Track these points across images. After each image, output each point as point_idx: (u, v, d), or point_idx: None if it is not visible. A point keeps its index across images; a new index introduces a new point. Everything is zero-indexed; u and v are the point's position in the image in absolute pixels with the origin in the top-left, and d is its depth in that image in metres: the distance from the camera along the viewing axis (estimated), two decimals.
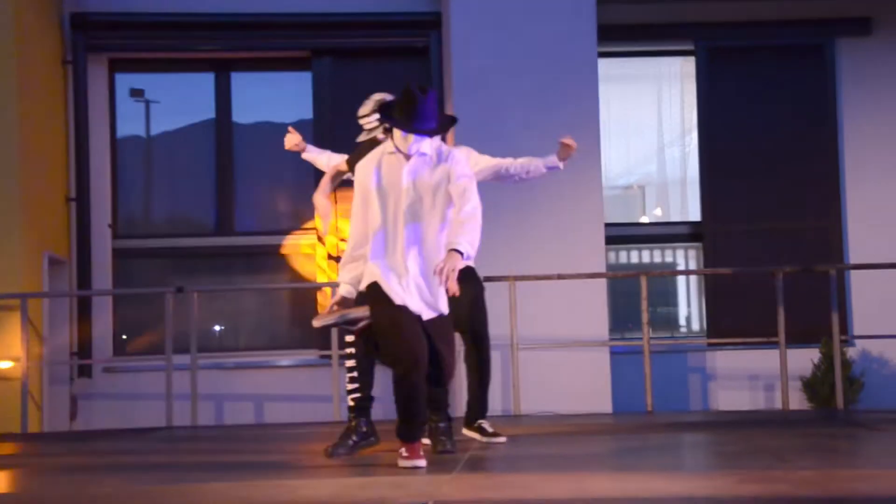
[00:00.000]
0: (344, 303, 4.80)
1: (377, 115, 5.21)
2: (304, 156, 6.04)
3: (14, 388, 8.03)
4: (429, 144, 4.71)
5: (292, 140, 5.99)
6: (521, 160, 5.83)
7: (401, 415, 4.59)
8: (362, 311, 4.70)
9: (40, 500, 4.12)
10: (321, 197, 5.52)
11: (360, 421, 5.14)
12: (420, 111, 4.60)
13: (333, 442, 5.15)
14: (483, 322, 5.54)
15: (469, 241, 4.50)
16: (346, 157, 5.58)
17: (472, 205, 4.60)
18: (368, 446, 5.10)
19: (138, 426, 8.24)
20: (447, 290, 4.49)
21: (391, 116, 4.70)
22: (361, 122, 5.38)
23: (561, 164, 5.88)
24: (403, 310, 4.57)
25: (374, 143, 5.22)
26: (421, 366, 4.54)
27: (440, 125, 4.73)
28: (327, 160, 5.87)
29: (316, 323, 4.78)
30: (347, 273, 4.82)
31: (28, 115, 8.61)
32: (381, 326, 4.61)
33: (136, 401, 9.09)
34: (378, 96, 5.31)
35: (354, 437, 5.11)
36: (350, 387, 5.18)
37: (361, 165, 4.79)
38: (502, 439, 5.49)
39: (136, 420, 8.76)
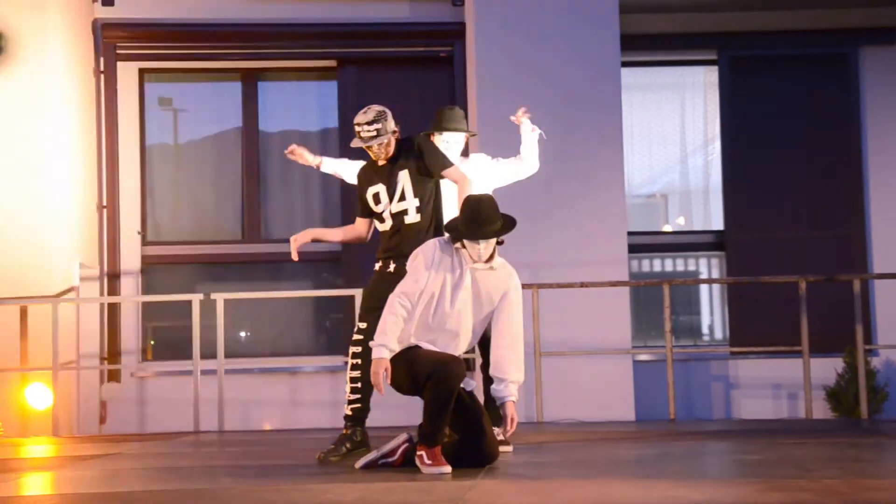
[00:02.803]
0: (380, 364, 4.69)
1: (377, 126, 5.13)
2: (324, 169, 5.74)
3: (45, 392, 8.17)
4: (499, 260, 4.83)
5: (299, 158, 5.66)
6: (520, 157, 5.85)
7: (429, 417, 4.65)
8: (396, 442, 4.83)
9: (69, 502, 4.19)
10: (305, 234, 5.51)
11: (356, 430, 5.20)
12: (481, 215, 4.71)
13: (327, 448, 5.20)
14: None
15: (520, 376, 4.86)
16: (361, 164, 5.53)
17: (520, 327, 4.86)
18: (361, 455, 5.12)
19: (166, 430, 8.35)
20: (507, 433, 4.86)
21: (457, 229, 4.76)
22: (358, 129, 5.16)
23: (532, 131, 5.83)
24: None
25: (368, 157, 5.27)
26: (457, 371, 4.62)
27: (503, 226, 4.79)
28: (351, 169, 5.70)
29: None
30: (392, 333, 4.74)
31: (61, 124, 8.76)
32: (412, 362, 4.68)
33: (163, 405, 9.20)
34: (379, 107, 5.21)
35: (348, 445, 5.17)
36: (351, 397, 5.21)
37: (421, 252, 4.82)
38: (509, 448, 5.42)
39: (164, 424, 8.86)
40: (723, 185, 9.82)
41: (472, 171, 5.62)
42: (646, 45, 9.67)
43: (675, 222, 10.39)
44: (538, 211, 8.71)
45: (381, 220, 5.31)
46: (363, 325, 5.21)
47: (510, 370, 4.82)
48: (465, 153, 5.92)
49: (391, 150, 5.26)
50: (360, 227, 5.48)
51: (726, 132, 9.82)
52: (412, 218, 5.23)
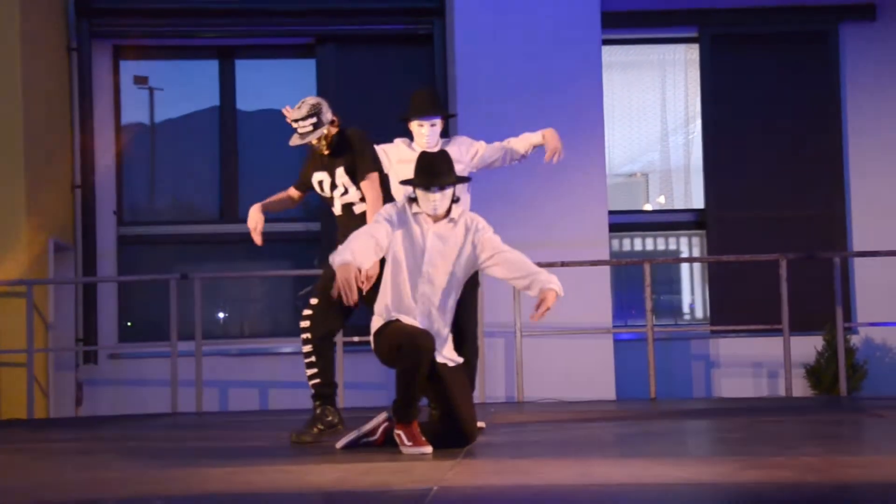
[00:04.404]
0: (346, 270, 4.49)
1: (312, 120, 5.04)
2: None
3: (20, 375, 8.08)
4: (457, 210, 4.78)
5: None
6: (509, 144, 5.71)
7: (398, 390, 4.63)
8: (376, 421, 4.78)
9: (47, 486, 4.15)
10: (256, 211, 5.40)
11: (325, 408, 5.09)
12: (435, 167, 4.69)
13: (298, 430, 5.12)
14: (471, 318, 5.41)
15: (549, 276, 4.82)
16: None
17: (515, 253, 4.82)
18: (335, 434, 5.06)
19: (143, 412, 8.29)
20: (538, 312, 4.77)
21: (411, 181, 4.76)
22: (295, 125, 5.09)
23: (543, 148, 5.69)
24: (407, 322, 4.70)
25: (305, 149, 5.19)
26: (423, 347, 4.58)
27: (458, 179, 4.79)
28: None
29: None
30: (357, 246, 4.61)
31: (33, 102, 8.63)
32: (387, 335, 4.66)
33: (141, 387, 9.14)
34: (312, 100, 5.13)
35: (320, 426, 5.07)
36: (309, 372, 5.09)
37: (389, 211, 4.77)
38: (481, 424, 5.36)
39: (141, 406, 8.80)
40: (703, 163, 9.81)
41: (455, 153, 5.55)
42: (627, 22, 9.62)
43: (656, 201, 10.38)
44: (518, 190, 8.67)
45: (332, 206, 5.28)
46: (314, 302, 5.11)
47: (542, 280, 4.79)
48: (446, 134, 5.86)
49: (332, 139, 5.17)
50: (291, 196, 5.42)
51: (707, 110, 9.79)
52: (360, 207, 5.19)
